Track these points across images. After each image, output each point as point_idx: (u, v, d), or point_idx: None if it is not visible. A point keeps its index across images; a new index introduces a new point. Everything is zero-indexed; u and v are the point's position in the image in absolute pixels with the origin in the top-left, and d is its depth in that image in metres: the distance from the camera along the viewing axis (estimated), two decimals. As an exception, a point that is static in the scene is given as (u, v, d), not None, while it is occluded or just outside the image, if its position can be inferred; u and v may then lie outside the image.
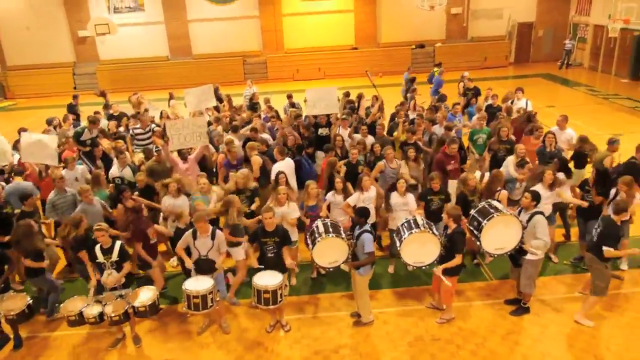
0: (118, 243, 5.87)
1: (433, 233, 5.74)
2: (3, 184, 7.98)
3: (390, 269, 7.34)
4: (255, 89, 14.72)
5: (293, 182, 7.72)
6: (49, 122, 11.16)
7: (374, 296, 6.67)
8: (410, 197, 6.88)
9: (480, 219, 5.78)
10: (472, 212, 5.94)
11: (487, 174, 7.42)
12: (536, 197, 5.86)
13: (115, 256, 5.77)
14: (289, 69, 23.56)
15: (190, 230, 5.97)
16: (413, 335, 6.02)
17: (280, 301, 5.65)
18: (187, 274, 6.26)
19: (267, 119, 10.67)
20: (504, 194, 6.92)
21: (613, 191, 6.66)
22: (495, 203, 5.96)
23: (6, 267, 6.32)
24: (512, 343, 5.83)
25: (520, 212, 5.99)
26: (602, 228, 5.77)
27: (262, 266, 5.91)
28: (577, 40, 23.21)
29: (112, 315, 5.52)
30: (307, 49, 23.93)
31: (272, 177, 7.42)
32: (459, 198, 6.89)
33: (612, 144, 7.72)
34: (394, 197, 6.86)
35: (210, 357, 5.86)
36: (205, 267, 5.88)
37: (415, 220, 5.91)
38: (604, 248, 5.63)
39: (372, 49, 23.99)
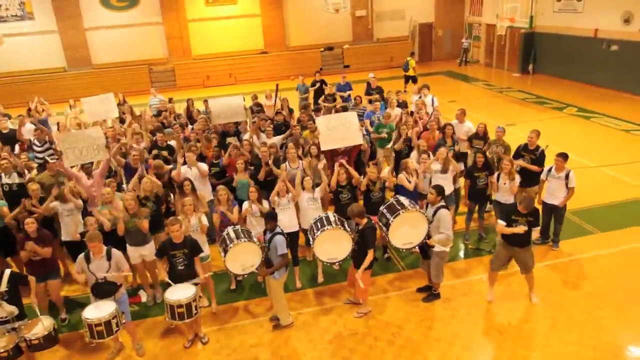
0: (7, 271, 5.35)
1: (345, 229, 5.83)
2: None
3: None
4: (161, 97, 14.24)
5: (204, 189, 7.51)
6: None
7: (293, 298, 6.67)
8: (317, 192, 6.97)
9: (388, 215, 5.96)
10: (382, 208, 6.12)
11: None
12: (441, 192, 6.14)
13: (4, 286, 5.25)
14: (198, 75, 22.98)
15: (83, 253, 5.55)
16: (332, 333, 6.08)
17: (195, 313, 5.46)
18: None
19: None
20: (401, 177, 7.30)
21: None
22: (402, 199, 6.16)
23: None
24: (426, 329, 6.08)
25: (427, 206, 6.25)
26: None
27: (171, 282, 5.64)
28: (473, 39, 24.86)
29: (1, 351, 4.99)
30: (216, 55, 23.48)
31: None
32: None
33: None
34: (303, 195, 6.92)
35: (123, 382, 5.54)
36: (104, 290, 5.47)
37: (327, 217, 5.97)
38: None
39: (282, 52, 24.06)
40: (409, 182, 7.27)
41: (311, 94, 14.55)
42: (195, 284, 5.62)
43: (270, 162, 7.79)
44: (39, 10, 21.70)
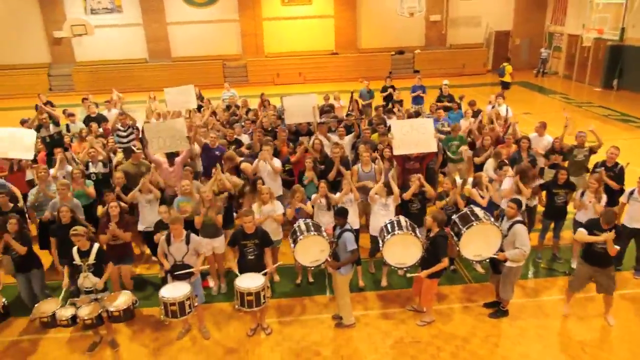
0: (96, 246, 5.73)
1: (416, 235, 5.76)
2: None
3: (371, 269, 7.37)
4: (234, 92, 14.64)
5: (274, 185, 7.66)
6: (23, 122, 10.85)
7: (355, 299, 6.65)
8: (390, 198, 6.91)
9: (460, 225, 5.83)
10: (454, 217, 6.00)
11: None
12: (520, 206, 5.93)
13: (92, 259, 5.63)
14: (269, 73, 23.52)
15: (164, 236, 5.86)
16: (394, 338, 6.03)
17: (263, 303, 5.60)
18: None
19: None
20: (473, 191, 7.07)
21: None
22: (477, 210, 6.00)
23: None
24: (492, 345, 5.89)
25: (502, 219, 6.06)
26: None
27: (238, 273, 5.82)
28: (553, 49, 23.79)
29: (85, 318, 5.37)
30: (287, 54, 23.96)
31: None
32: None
33: None
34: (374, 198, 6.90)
35: (189, 362, 5.76)
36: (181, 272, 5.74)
37: (398, 222, 5.93)
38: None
39: (352, 54, 24.14)
40: (482, 197, 7.07)
41: (379, 100, 14.40)
42: (264, 274, 5.76)
43: (338, 162, 7.83)
44: (127, 4, 23.06)
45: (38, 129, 9.70)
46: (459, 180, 7.54)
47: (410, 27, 23.79)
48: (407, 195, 6.84)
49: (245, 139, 9.65)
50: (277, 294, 6.93)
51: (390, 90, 14.34)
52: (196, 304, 5.68)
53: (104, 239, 6.27)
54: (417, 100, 14.22)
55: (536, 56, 23.97)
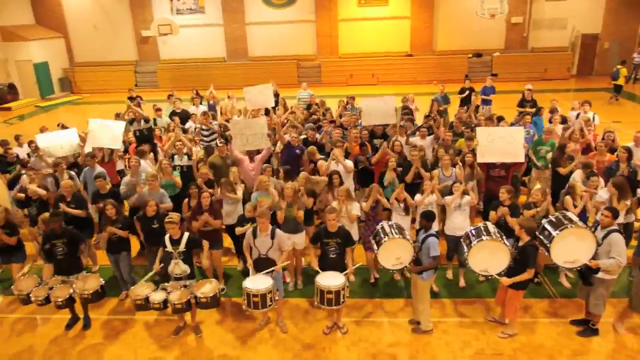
0: (186, 235, 6.01)
1: (504, 243, 5.57)
2: (72, 173, 8.39)
3: (449, 274, 7.22)
4: (310, 92, 14.83)
5: (349, 183, 7.70)
6: (117, 115, 11.62)
7: (432, 305, 6.52)
8: (466, 198, 6.79)
9: (551, 229, 5.56)
10: (544, 222, 5.73)
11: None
12: (616, 215, 5.59)
13: (182, 247, 5.93)
14: (342, 73, 23.63)
15: (251, 229, 6.06)
16: (474, 348, 5.86)
17: (342, 302, 5.63)
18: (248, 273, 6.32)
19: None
20: (567, 199, 6.79)
21: None
22: (569, 214, 5.72)
23: (82, 246, 6.60)
24: (580, 364, 5.58)
25: (596, 227, 5.73)
26: None
27: (319, 270, 5.90)
28: (647, 54, 22.08)
29: (176, 303, 5.65)
30: (361, 54, 23.95)
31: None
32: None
33: None
34: (449, 198, 6.83)
35: (267, 353, 5.91)
36: (264, 266, 5.91)
37: (486, 227, 5.75)
38: None
39: (427, 56, 23.72)
40: (575, 206, 6.72)
41: (457, 103, 14.04)
42: (345, 274, 5.79)
43: (418, 164, 7.74)
44: (210, 4, 24.03)
45: (131, 122, 10.36)
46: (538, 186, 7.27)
47: (490, 29, 23.00)
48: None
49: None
50: (353, 294, 6.94)
51: (468, 92, 13.97)
52: (277, 297, 5.81)
53: (196, 226, 6.58)
54: (486, 101, 13.77)
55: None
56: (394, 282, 7.20)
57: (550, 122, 10.38)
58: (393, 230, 5.74)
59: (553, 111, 10.99)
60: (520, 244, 5.64)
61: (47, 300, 6.01)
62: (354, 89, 21.52)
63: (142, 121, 10.44)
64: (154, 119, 12.03)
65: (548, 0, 22.92)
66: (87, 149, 8.88)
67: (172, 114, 12.02)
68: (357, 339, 6.09)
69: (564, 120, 10.54)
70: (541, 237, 5.71)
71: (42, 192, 7.63)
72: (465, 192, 6.88)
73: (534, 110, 11.60)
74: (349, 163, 8.09)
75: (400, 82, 22.55)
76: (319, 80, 23.48)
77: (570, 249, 5.51)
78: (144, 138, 10.24)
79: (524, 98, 12.66)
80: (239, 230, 6.60)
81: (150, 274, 6.04)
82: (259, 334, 6.22)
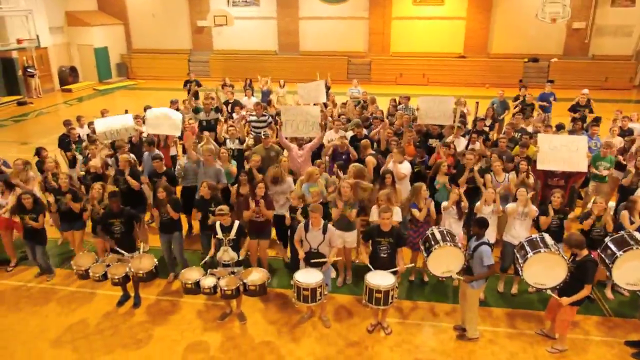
0: (237, 223, 6.13)
1: (563, 257, 5.37)
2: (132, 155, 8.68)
3: (501, 287, 7.02)
4: (361, 88, 14.77)
5: (407, 185, 7.61)
6: (172, 103, 11.91)
7: (479, 313, 6.37)
8: (530, 207, 6.55)
9: (615, 248, 5.33)
10: (607, 240, 5.50)
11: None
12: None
13: (233, 234, 6.04)
14: (392, 72, 23.41)
15: (303, 222, 6.10)
16: (521, 360, 5.72)
17: (391, 302, 5.61)
18: (292, 265, 6.38)
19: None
20: (624, 214, 6.54)
21: None
22: (637, 234, 5.45)
23: (137, 227, 6.83)
24: (635, 388, 5.34)
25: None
26: None
27: (371, 267, 5.88)
28: None
29: (226, 289, 5.77)
30: (412, 54, 23.63)
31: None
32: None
33: None
34: (511, 205, 6.61)
35: (310, 346, 5.95)
36: (314, 260, 5.96)
37: (543, 239, 5.57)
38: None
39: (481, 58, 23.14)
40: (632, 222, 6.43)
41: (512, 110, 13.61)
42: (394, 273, 5.75)
43: (475, 169, 7.58)
44: (265, -3, 24.30)
45: (196, 111, 10.56)
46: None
47: (548, 34, 22.17)
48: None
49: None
50: (398, 295, 6.87)
51: (522, 99, 13.52)
52: (326, 292, 5.84)
53: (247, 215, 6.70)
54: (545, 109, 13.29)
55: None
56: (440, 286, 7.09)
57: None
58: (444, 238, 5.64)
59: (615, 121, 10.54)
60: (578, 258, 5.44)
61: (105, 277, 6.27)
62: (403, 88, 21.29)
63: (212, 112, 10.64)
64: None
65: (613, 6, 21.90)
66: (147, 132, 9.19)
67: (225, 104, 12.25)
68: (401, 340, 6.04)
69: (629, 132, 10.03)
70: (602, 255, 5.49)
71: (98, 166, 7.97)
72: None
73: (587, 116, 11.09)
74: (405, 168, 7.90)
75: (452, 83, 22.12)
76: (369, 77, 23.33)
77: (634, 270, 5.27)
78: (210, 128, 10.46)
79: (577, 103, 12.15)
80: (288, 219, 6.66)
81: (206, 258, 6.17)
82: (302, 327, 6.27)
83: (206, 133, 9.38)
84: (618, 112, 10.77)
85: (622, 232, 5.63)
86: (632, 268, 5.28)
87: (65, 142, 9.38)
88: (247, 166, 8.14)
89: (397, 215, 6.59)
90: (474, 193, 7.56)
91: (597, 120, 10.75)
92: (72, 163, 9.04)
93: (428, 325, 6.34)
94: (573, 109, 12.11)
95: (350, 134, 9.25)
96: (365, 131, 9.37)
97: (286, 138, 8.52)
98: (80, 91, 22.62)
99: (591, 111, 11.81)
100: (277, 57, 24.67)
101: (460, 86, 21.64)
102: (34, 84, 20.98)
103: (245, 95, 13.30)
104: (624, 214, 6.59)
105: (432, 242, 5.67)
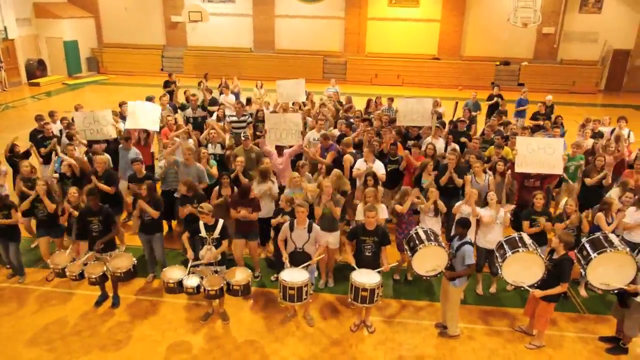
0: (220, 222, 6.07)
1: (540, 256, 5.53)
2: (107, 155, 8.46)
3: (479, 290, 7.14)
4: (337, 88, 14.85)
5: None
6: (149, 99, 11.68)
7: (460, 311, 6.52)
8: (502, 211, 6.72)
9: (590, 249, 5.52)
10: (584, 240, 5.69)
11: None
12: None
13: (216, 234, 5.99)
14: (368, 72, 23.57)
15: (288, 222, 6.09)
16: (500, 356, 5.85)
17: (376, 300, 5.66)
18: (276, 263, 6.35)
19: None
20: (600, 216, 6.78)
21: None
22: (612, 237, 5.65)
23: (112, 226, 6.67)
24: (608, 382, 5.55)
25: (638, 252, 5.67)
26: None
27: (355, 266, 5.93)
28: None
29: (209, 289, 5.71)
30: (387, 55, 23.84)
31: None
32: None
33: None
34: (485, 212, 6.73)
35: (294, 346, 5.94)
36: (299, 259, 5.98)
37: (521, 238, 5.72)
38: None
39: (454, 60, 23.54)
40: (609, 223, 6.68)
41: (484, 110, 13.95)
42: (379, 272, 5.81)
43: (450, 168, 7.73)
44: (240, -6, 24.07)
45: (182, 108, 10.40)
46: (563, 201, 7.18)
47: (519, 38, 22.77)
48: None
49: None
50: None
51: (497, 99, 13.87)
52: (311, 291, 5.85)
53: (235, 216, 6.64)
54: (521, 113, 13.67)
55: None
56: (422, 285, 7.19)
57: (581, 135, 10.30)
58: (428, 237, 5.73)
59: (584, 125, 10.90)
60: (555, 256, 5.61)
61: (82, 275, 6.12)
62: (378, 88, 21.50)
63: (199, 109, 10.46)
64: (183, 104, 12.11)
65: (581, 12, 22.65)
66: (126, 127, 8.99)
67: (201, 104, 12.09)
68: (384, 338, 6.11)
69: (599, 135, 10.40)
70: (579, 255, 5.67)
71: (73, 162, 7.73)
72: (498, 202, 6.84)
73: (548, 122, 11.42)
74: (381, 168, 8.00)
75: (425, 85, 22.46)
76: (344, 77, 23.42)
77: (608, 272, 5.45)
78: (197, 125, 10.30)
79: (537, 112, 12.49)
80: (274, 221, 6.63)
81: (190, 263, 6.01)
82: (285, 326, 6.26)
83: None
84: (589, 118, 11.14)
85: (598, 233, 5.82)
86: (606, 269, 5.45)
87: (37, 138, 9.08)
88: (229, 167, 8.06)
89: (383, 213, 6.68)
90: (452, 193, 7.73)
91: (556, 122, 11.09)
92: (47, 159, 8.75)
93: (409, 322, 6.42)
94: (534, 117, 12.45)
95: (336, 131, 9.31)
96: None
97: None
98: (48, 85, 21.92)
99: (548, 119, 12.12)
100: (252, 55, 24.51)
101: (434, 87, 22.00)
102: (0, 76, 20.22)
103: (222, 93, 13.16)
104: (600, 216, 6.81)
105: (417, 242, 5.74)
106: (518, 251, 5.54)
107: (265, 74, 20.89)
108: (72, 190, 6.87)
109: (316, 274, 7.07)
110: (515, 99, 14.19)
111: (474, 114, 12.36)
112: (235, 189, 7.08)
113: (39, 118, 9.47)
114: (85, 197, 6.61)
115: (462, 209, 6.77)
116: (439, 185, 7.46)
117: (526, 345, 6.02)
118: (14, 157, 8.19)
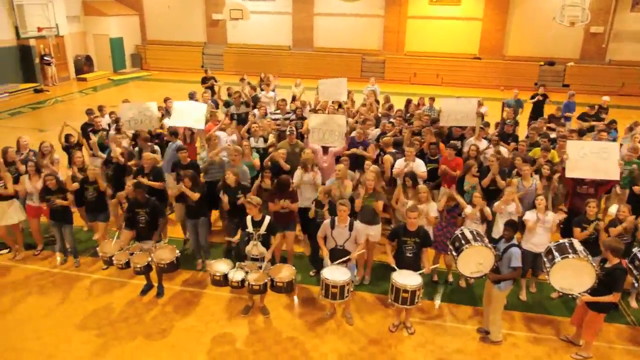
0: (267, 218, 6.14)
1: (591, 263, 5.35)
2: (156, 147, 8.70)
3: (522, 296, 6.97)
4: (377, 87, 14.75)
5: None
6: (191, 96, 11.93)
7: (503, 316, 6.39)
8: (550, 215, 6.54)
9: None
10: (635, 250, 5.48)
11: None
12: None
13: (263, 229, 6.06)
14: (406, 71, 23.32)
15: (329, 219, 6.11)
16: (545, 365, 5.72)
17: (417, 302, 5.61)
18: (313, 260, 6.37)
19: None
20: None
21: None
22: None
23: (160, 219, 6.86)
24: (660, 397, 5.34)
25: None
26: None
27: (395, 267, 5.90)
28: None
29: (254, 284, 5.79)
30: (427, 53, 23.53)
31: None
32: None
33: None
34: (530, 214, 6.57)
35: (334, 343, 5.96)
36: (339, 257, 5.97)
37: (572, 244, 5.55)
38: None
39: (496, 60, 23.01)
40: None
41: (528, 110, 13.58)
42: (421, 274, 5.76)
43: (495, 171, 7.57)
44: (276, -8, 24.24)
45: (227, 105, 10.62)
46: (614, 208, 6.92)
47: (565, 37, 22.00)
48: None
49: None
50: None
51: (538, 97, 13.48)
52: (352, 289, 5.85)
53: (273, 208, 6.72)
54: (568, 118, 13.22)
55: None
56: (464, 289, 7.10)
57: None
58: (475, 237, 5.64)
59: (632, 128, 10.47)
60: (608, 265, 5.43)
61: (128, 264, 6.33)
62: (417, 87, 21.28)
63: (242, 106, 10.65)
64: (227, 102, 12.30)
65: (633, 11, 21.74)
66: (170, 124, 9.20)
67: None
68: (424, 340, 6.05)
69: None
70: (630, 266, 5.47)
71: (121, 159, 8.03)
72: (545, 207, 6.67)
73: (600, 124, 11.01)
74: (422, 167, 7.90)
75: (465, 85, 22.05)
76: (382, 76, 23.20)
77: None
78: (241, 122, 10.50)
79: (586, 113, 12.04)
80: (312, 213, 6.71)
81: (233, 240, 6.33)
82: (325, 323, 6.29)
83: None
84: (637, 122, 10.70)
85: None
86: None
87: (87, 132, 9.41)
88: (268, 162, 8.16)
89: (434, 211, 6.64)
90: (494, 195, 7.57)
91: (610, 126, 10.65)
92: (101, 149, 9.06)
93: (451, 326, 6.35)
94: (582, 118, 12.02)
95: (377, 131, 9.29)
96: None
97: None
98: (95, 80, 22.69)
99: (598, 120, 11.68)
100: (290, 53, 24.64)
101: (475, 88, 21.56)
102: (50, 72, 21.05)
103: (262, 90, 13.30)
104: None
105: (463, 242, 5.65)
106: (568, 257, 5.38)
107: (304, 72, 20.95)
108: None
109: (355, 271, 7.11)
110: (559, 100, 13.75)
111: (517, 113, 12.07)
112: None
113: (89, 112, 9.81)
114: (133, 190, 6.81)
115: (507, 209, 6.62)
116: (480, 187, 7.34)
117: (572, 355, 5.84)
118: (70, 147, 8.57)
